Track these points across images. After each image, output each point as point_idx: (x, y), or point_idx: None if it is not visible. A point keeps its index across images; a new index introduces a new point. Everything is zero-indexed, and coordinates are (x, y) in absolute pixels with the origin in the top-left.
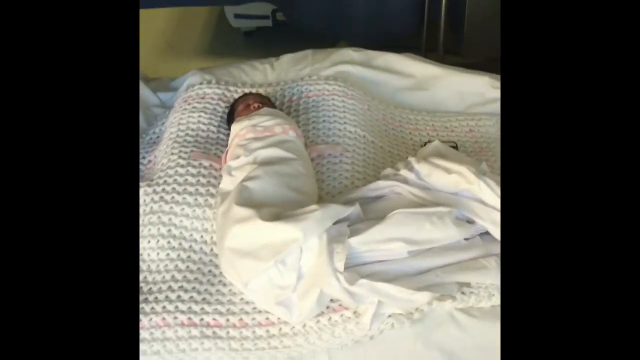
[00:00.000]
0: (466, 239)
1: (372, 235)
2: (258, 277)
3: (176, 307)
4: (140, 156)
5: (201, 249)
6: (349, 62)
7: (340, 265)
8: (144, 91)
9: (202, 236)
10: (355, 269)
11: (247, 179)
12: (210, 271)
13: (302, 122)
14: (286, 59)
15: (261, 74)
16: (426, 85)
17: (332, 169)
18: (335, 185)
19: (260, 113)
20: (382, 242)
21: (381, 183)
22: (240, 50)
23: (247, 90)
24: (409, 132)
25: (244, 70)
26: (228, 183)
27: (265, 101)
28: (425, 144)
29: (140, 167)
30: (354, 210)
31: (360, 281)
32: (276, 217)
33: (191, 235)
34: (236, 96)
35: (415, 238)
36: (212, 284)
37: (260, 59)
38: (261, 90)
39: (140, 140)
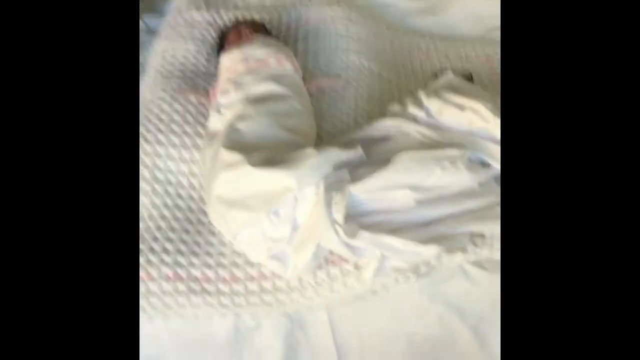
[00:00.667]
0: (480, 184)
1: (375, 181)
2: (248, 229)
3: (161, 259)
4: None
5: (189, 194)
6: None
7: (339, 216)
8: None
9: (189, 180)
10: (356, 220)
11: (237, 118)
12: (198, 219)
13: (300, 52)
14: None
15: None
16: (439, 6)
17: (333, 105)
18: (336, 124)
19: (252, 43)
20: (386, 189)
21: (387, 122)
22: None
23: (239, 16)
24: (420, 61)
25: None
26: (217, 122)
27: (258, 29)
28: (436, 75)
29: None
30: (355, 153)
31: (361, 234)
32: (268, 161)
33: (177, 179)
34: (228, 22)
35: (423, 185)
36: (200, 233)
37: None
38: (256, 16)
39: None
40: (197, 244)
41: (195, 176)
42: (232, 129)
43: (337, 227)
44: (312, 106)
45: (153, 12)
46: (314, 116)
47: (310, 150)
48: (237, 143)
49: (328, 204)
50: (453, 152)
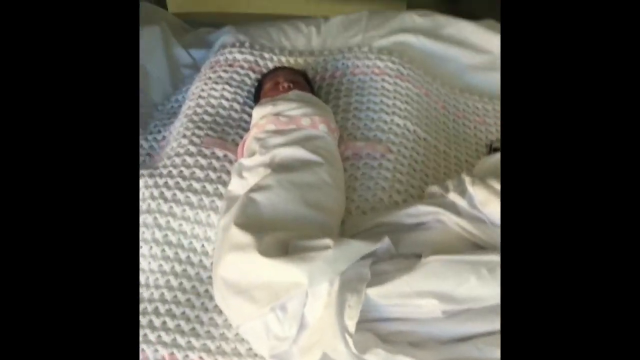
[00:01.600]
0: None
1: (397, 286)
2: (251, 322)
3: (159, 337)
4: (156, 129)
5: (200, 261)
6: (411, 31)
7: (351, 324)
8: (175, 49)
9: (203, 246)
10: (372, 325)
11: (256, 188)
12: (206, 291)
13: (341, 107)
14: (337, 21)
15: (304, 38)
16: None
17: (368, 174)
18: (369, 198)
19: (287, 97)
20: (409, 296)
21: (422, 208)
22: None
23: (283, 60)
24: (474, 126)
25: (285, 32)
26: (237, 186)
27: (297, 80)
28: (490, 148)
29: (153, 144)
30: (381, 245)
31: (375, 350)
32: (281, 246)
33: (190, 243)
34: (270, 65)
35: (453, 294)
36: (206, 310)
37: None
38: (300, 61)
39: (161, 108)
40: (201, 322)
41: (210, 242)
42: (249, 200)
43: (348, 337)
44: (345, 172)
45: (200, 46)
46: (346, 186)
47: (327, 242)
48: (252, 219)
49: (341, 306)
50: (493, 257)
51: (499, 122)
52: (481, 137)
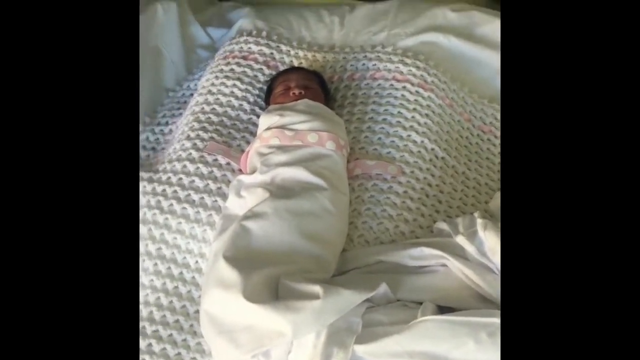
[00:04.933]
0: None
1: (388, 345)
2: None
3: None
4: (164, 120)
5: (193, 278)
6: (443, 30)
7: None
8: (192, 27)
9: (197, 262)
10: None
11: (251, 215)
12: (196, 312)
13: (356, 115)
14: (362, 12)
15: (326, 29)
16: None
17: (375, 198)
18: (373, 227)
19: (296, 108)
20: (400, 356)
21: (427, 251)
22: None
23: (301, 55)
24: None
25: (306, 20)
26: (235, 205)
27: (311, 85)
28: None
29: (159, 136)
30: (377, 292)
31: None
32: (270, 285)
33: (184, 258)
34: (287, 60)
35: (448, 357)
36: (195, 334)
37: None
38: (319, 57)
39: (172, 95)
40: (187, 346)
41: (204, 259)
42: (242, 229)
43: None
44: (352, 193)
45: (219, 24)
46: (350, 208)
47: (317, 289)
48: (242, 251)
49: None
50: (495, 319)
51: None
52: None
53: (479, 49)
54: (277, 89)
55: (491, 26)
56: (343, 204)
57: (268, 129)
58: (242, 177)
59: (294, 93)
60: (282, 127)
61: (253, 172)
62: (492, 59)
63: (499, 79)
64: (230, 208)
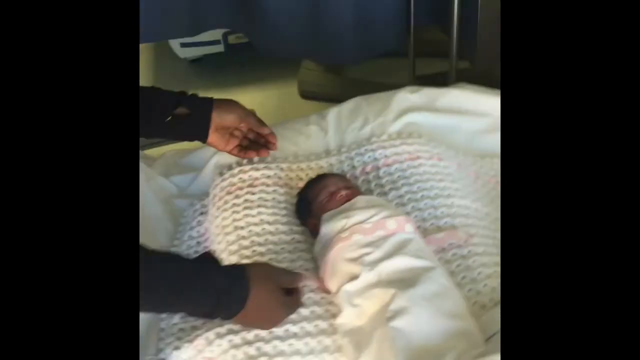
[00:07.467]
0: None
1: None
2: None
3: None
4: None
5: None
6: (414, 109)
7: None
8: (159, 180)
9: None
10: None
11: (392, 316)
12: None
13: (394, 200)
14: (333, 115)
15: (310, 139)
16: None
17: (464, 265)
18: (480, 290)
19: (357, 206)
20: None
21: None
22: (190, 79)
23: (304, 166)
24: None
25: (284, 137)
26: (352, 316)
27: (348, 184)
28: None
29: None
30: None
31: None
32: None
33: None
34: (293, 176)
35: None
36: None
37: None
38: (322, 163)
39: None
40: None
41: None
42: (394, 332)
43: None
44: None
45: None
46: None
47: None
48: (406, 352)
49: None
50: None
51: None
52: None
53: (446, 118)
54: (319, 199)
55: (447, 97)
56: (449, 277)
57: (340, 231)
58: (346, 286)
59: (341, 195)
60: (356, 224)
61: (344, 281)
62: (461, 124)
63: (477, 139)
64: (347, 322)
